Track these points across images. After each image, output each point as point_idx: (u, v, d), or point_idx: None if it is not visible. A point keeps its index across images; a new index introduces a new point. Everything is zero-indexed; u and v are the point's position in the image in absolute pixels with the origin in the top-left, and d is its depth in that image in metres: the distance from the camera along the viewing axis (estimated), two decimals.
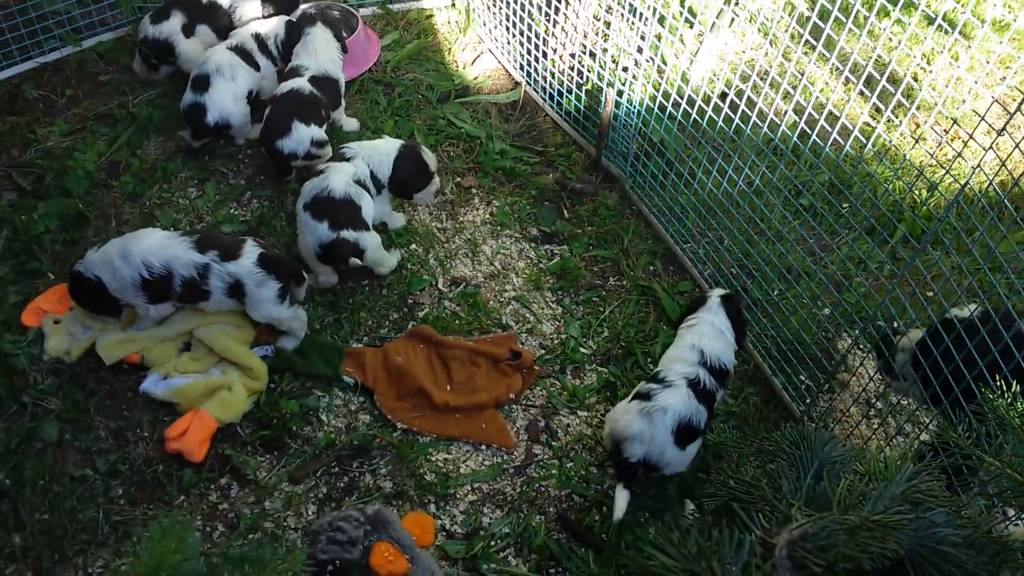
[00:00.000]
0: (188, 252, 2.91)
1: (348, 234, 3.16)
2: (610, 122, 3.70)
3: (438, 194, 3.65)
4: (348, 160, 3.28)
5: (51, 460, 2.86)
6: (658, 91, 3.35)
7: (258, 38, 3.82)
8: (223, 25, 4.02)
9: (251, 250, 2.98)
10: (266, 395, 3.06)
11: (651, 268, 3.64)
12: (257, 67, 3.79)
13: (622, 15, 3.37)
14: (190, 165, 3.77)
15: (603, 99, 3.65)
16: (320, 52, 3.73)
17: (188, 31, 3.93)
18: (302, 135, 3.54)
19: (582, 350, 3.34)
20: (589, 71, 3.80)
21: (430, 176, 3.45)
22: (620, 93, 3.56)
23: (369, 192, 3.30)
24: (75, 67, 4.10)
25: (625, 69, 3.51)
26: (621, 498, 2.74)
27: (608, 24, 3.55)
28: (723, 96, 3.10)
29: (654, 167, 3.59)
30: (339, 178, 3.19)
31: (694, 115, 3.19)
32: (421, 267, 3.52)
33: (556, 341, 3.36)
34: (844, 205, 3.50)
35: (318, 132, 3.59)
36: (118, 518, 2.75)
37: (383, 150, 3.37)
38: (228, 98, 3.67)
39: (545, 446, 3.09)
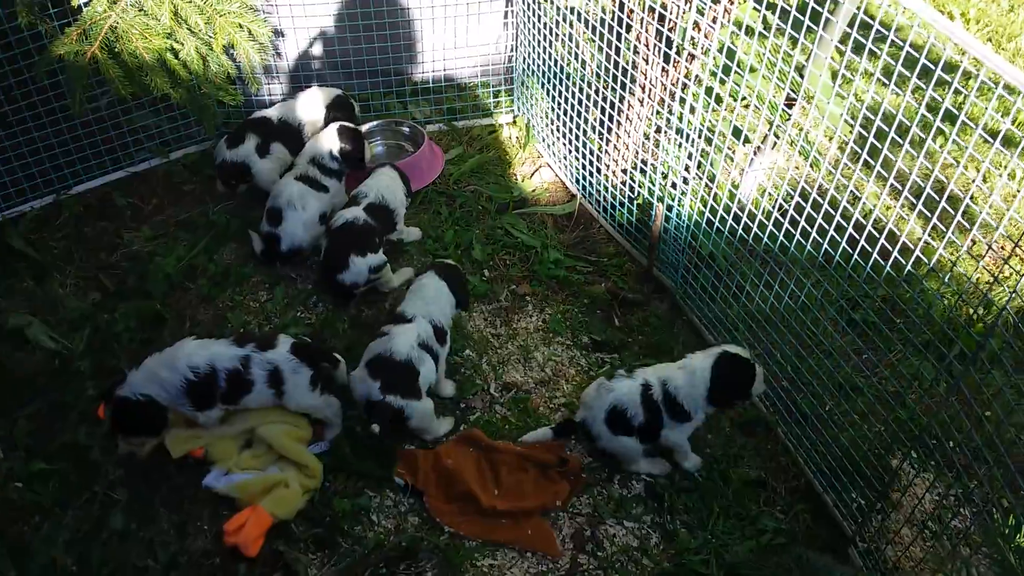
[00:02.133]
0: (229, 348, 3.13)
1: (395, 400, 3.18)
2: (660, 235, 3.82)
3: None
4: (410, 321, 3.33)
5: (116, 549, 2.99)
6: (706, 206, 3.47)
7: (317, 163, 4.06)
8: (296, 142, 4.32)
9: (284, 340, 3.21)
10: (320, 493, 3.16)
11: None
12: (326, 189, 4.03)
13: (670, 136, 3.53)
14: (261, 270, 4.00)
15: (653, 213, 3.78)
16: (382, 185, 3.97)
17: (262, 151, 4.22)
18: (359, 267, 3.75)
19: None
20: (640, 186, 3.96)
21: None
22: (670, 208, 3.69)
23: (432, 351, 3.33)
24: (162, 177, 4.44)
25: (674, 185, 3.64)
26: None
27: (657, 143, 3.71)
28: (771, 214, 3.20)
29: (704, 279, 3.67)
30: (403, 341, 3.24)
31: (740, 230, 3.29)
32: (474, 372, 3.63)
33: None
34: (898, 320, 3.52)
35: (375, 259, 3.80)
36: None
37: (440, 299, 3.45)
38: (299, 229, 3.96)
39: (591, 556, 3.10)
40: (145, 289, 3.82)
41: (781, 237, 3.08)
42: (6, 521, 3.02)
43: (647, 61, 3.58)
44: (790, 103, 3.22)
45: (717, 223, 3.42)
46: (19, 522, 3.03)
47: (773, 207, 3.07)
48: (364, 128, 4.49)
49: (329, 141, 4.09)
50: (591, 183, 4.27)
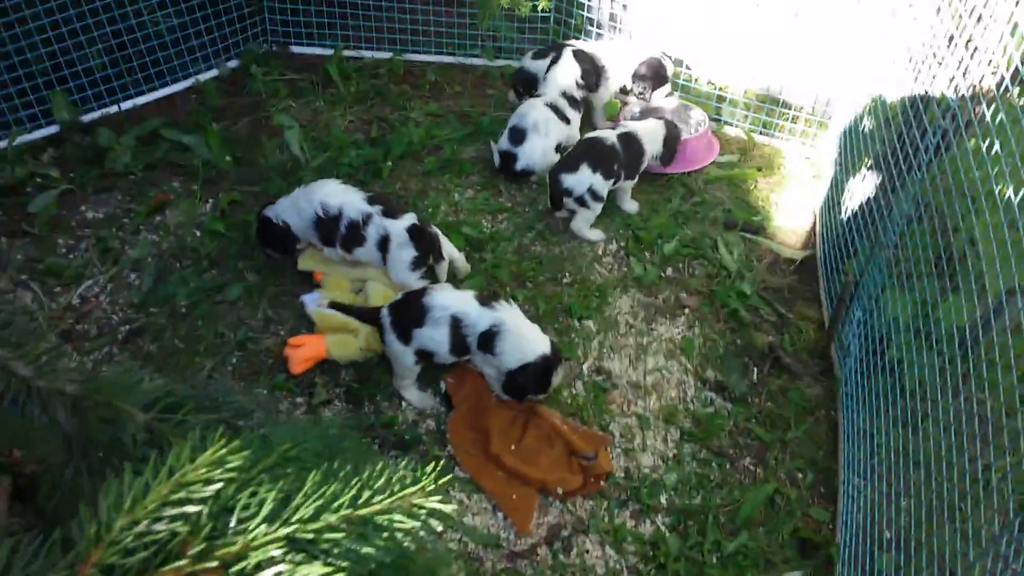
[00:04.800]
0: (360, 201, 3.39)
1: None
2: (846, 311, 3.30)
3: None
4: None
5: (217, 311, 3.51)
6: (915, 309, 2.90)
7: (566, 94, 4.19)
8: (591, 80, 4.43)
9: (408, 218, 3.36)
10: (378, 360, 3.36)
11: (799, 476, 3.17)
12: (567, 121, 4.12)
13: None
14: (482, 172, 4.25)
15: (843, 281, 3.27)
16: (650, 125, 4.02)
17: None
18: (584, 179, 3.78)
19: (661, 501, 3.05)
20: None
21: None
22: (856, 284, 3.17)
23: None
24: (464, 71, 4.86)
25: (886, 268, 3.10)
26: None
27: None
28: None
29: (882, 386, 3.10)
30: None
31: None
32: (582, 341, 3.52)
33: (641, 477, 3.11)
34: None
35: (601, 184, 3.80)
36: (216, 375, 3.28)
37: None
38: (538, 152, 4.08)
39: (552, 552, 2.91)
40: (388, 145, 4.27)
41: None
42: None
43: None
44: None
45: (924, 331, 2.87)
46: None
47: None
48: (657, 102, 4.45)
49: (572, 73, 4.22)
50: (835, 247, 3.77)
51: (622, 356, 3.50)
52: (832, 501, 3.10)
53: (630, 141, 3.89)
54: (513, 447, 3.16)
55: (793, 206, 4.21)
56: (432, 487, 1.04)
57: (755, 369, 3.50)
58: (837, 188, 3.83)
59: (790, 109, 4.44)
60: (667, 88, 4.50)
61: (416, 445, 3.15)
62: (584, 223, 3.91)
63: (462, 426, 3.22)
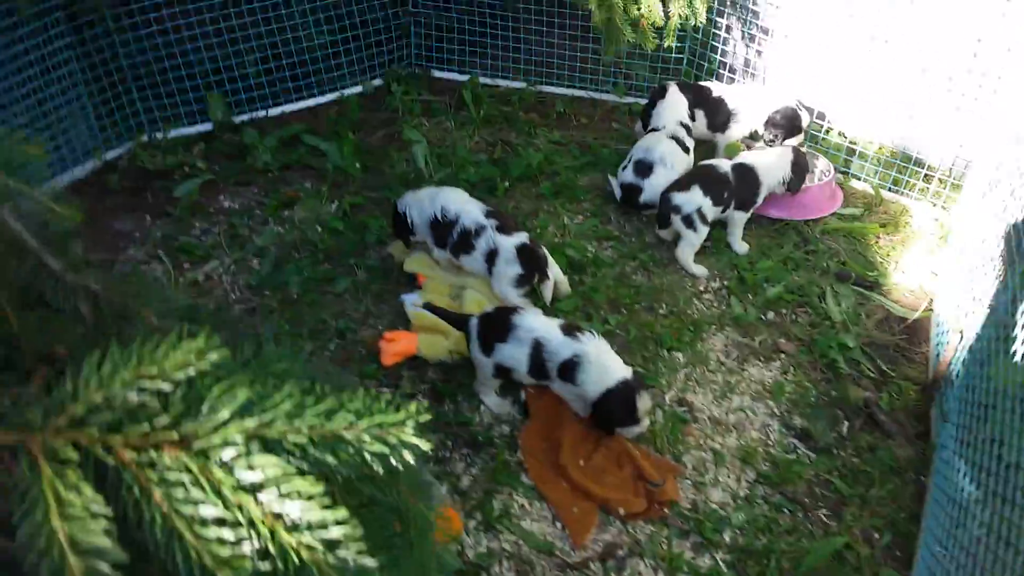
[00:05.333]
0: (478, 212, 3.51)
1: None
2: (947, 375, 3.12)
3: None
4: None
5: (324, 300, 3.72)
6: None
7: (683, 124, 4.25)
8: (718, 121, 4.46)
9: (520, 237, 3.46)
10: (465, 363, 3.46)
11: (875, 535, 3.00)
12: (687, 150, 4.15)
13: None
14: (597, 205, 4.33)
15: (945, 342, 3.11)
16: (773, 159, 4.03)
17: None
18: (694, 199, 3.83)
19: (724, 538, 2.97)
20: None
21: None
22: (961, 340, 3.00)
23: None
24: (593, 103, 4.97)
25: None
26: None
27: None
28: None
29: (981, 457, 2.92)
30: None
31: None
32: (668, 372, 3.49)
33: (708, 512, 3.04)
34: None
35: (710, 208, 3.85)
36: (315, 358, 3.47)
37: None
38: (663, 185, 4.09)
39: (604, 572, 2.88)
40: (507, 166, 4.42)
41: None
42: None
43: None
44: None
45: None
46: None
47: None
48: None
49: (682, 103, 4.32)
50: (952, 311, 3.59)
51: (707, 391, 3.45)
52: (907, 567, 2.92)
53: (744, 172, 3.90)
54: (582, 462, 3.16)
55: (913, 266, 4.04)
56: (411, 422, 1.09)
57: (846, 423, 3.36)
58: (962, 251, 3.66)
59: (923, 167, 4.29)
60: (799, 138, 4.45)
61: (488, 447, 3.21)
62: (689, 250, 3.92)
63: (535, 436, 3.25)
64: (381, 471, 1.09)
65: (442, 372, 3.47)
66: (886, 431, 3.31)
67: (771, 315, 3.77)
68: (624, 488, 3.08)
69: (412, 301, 3.62)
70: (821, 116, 4.54)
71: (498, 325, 3.20)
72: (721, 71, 4.79)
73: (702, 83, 4.59)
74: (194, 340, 0.96)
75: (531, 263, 3.48)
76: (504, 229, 3.51)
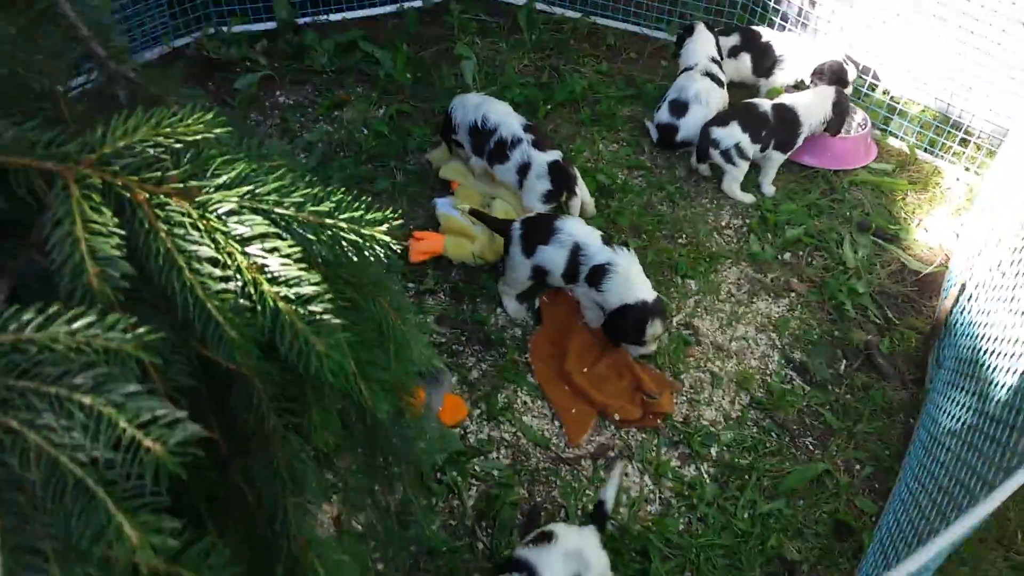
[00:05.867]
0: (516, 125, 3.66)
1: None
2: (945, 323, 3.24)
3: None
4: None
5: (359, 194, 3.92)
6: None
7: (715, 59, 4.33)
8: (764, 66, 4.53)
9: (554, 154, 3.60)
10: (487, 268, 3.66)
11: (857, 467, 3.17)
12: (722, 84, 4.24)
13: None
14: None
15: (947, 292, 3.22)
16: (813, 99, 4.12)
17: (735, 51, 4.53)
18: (734, 134, 3.95)
19: (711, 452, 3.17)
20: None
21: None
22: (962, 291, 3.11)
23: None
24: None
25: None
26: None
27: None
28: None
29: (968, 404, 3.05)
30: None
31: None
32: (680, 297, 3.66)
33: (699, 427, 3.23)
34: None
35: (747, 145, 3.96)
36: None
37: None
38: (699, 122, 4.17)
39: (594, 468, 3.11)
40: (552, 90, 4.55)
41: None
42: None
43: None
44: None
45: None
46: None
47: None
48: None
49: (710, 40, 4.37)
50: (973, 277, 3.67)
51: (714, 319, 3.61)
52: (883, 498, 3.09)
53: (785, 112, 4.00)
54: (585, 369, 3.37)
55: (937, 226, 4.11)
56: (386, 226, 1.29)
57: (844, 361, 3.51)
58: (983, 213, 3.73)
59: (960, 131, 4.32)
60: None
61: (499, 346, 3.43)
62: (733, 183, 4.06)
63: (545, 341, 3.46)
64: (355, 258, 1.28)
65: (465, 274, 3.67)
66: (883, 373, 3.46)
67: (787, 255, 3.90)
68: (622, 396, 3.28)
69: (445, 205, 3.82)
70: (867, 71, 4.57)
71: (542, 228, 3.37)
72: (774, 18, 4.83)
73: (752, 27, 4.64)
74: (204, 113, 1.17)
75: (561, 180, 3.63)
76: (539, 145, 3.66)
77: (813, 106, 4.08)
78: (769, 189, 4.15)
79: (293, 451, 1.33)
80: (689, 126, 4.20)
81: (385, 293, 1.57)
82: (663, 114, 4.29)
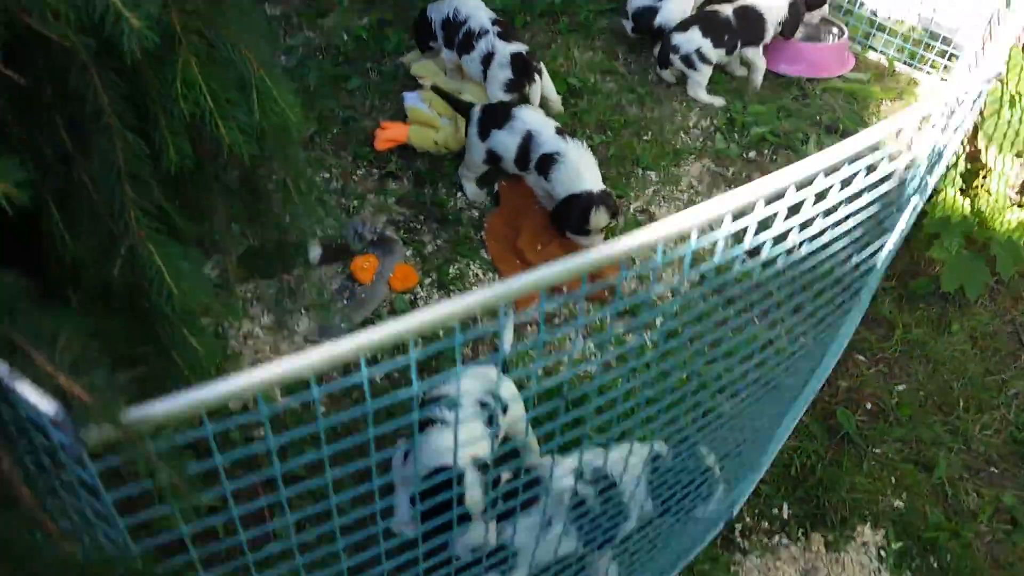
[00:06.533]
0: (484, 17, 3.75)
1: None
2: None
3: None
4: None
5: (333, 93, 4.03)
6: None
7: None
8: None
9: (517, 46, 3.67)
10: (451, 157, 3.74)
11: (803, 340, 3.20)
12: None
13: None
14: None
15: None
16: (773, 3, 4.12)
17: None
18: (693, 38, 3.97)
19: (655, 322, 3.21)
20: None
21: None
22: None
23: None
24: None
25: None
26: None
27: None
28: None
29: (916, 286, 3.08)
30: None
31: None
32: (639, 186, 3.71)
33: (647, 301, 3.27)
34: None
35: (709, 50, 3.99)
36: (317, 139, 3.81)
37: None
38: (681, 7, 4.20)
39: (537, 332, 3.17)
40: (533, 6, 4.61)
41: None
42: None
43: None
44: None
45: None
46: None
47: None
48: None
49: None
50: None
51: (671, 207, 3.66)
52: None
53: (747, 11, 4.03)
54: (539, 247, 3.43)
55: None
56: None
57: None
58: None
59: (939, 42, 4.30)
60: (824, 10, 4.48)
61: (455, 224, 3.51)
62: (698, 88, 4.09)
63: (500, 220, 3.54)
64: None
65: (429, 162, 3.75)
66: None
67: (752, 154, 3.92)
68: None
69: (412, 99, 3.90)
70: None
71: (498, 114, 3.46)
72: None
73: None
74: None
75: (523, 70, 3.70)
76: (505, 36, 3.73)
77: (774, 6, 4.08)
78: (718, 100, 4.13)
79: (133, 152, 1.41)
80: (668, 10, 4.19)
81: (252, 44, 1.64)
82: None
